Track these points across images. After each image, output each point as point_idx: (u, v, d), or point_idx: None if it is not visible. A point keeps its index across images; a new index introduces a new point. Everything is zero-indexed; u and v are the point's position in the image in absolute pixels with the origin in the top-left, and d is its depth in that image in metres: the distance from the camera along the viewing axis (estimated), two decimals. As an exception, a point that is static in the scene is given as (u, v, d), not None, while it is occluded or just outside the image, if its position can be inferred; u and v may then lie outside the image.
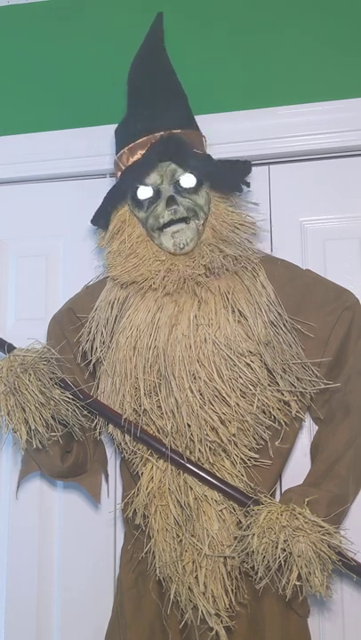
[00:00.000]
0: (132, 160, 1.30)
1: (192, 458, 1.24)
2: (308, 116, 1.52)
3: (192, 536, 1.22)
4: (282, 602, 1.23)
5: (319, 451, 1.30)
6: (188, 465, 1.22)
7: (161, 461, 1.25)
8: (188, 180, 1.28)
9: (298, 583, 1.11)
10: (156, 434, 1.25)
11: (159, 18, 1.42)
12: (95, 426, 1.31)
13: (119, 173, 1.33)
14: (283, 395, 1.25)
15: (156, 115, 1.30)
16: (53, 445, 1.27)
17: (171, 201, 1.26)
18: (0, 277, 1.65)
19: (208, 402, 1.21)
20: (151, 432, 1.25)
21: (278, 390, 1.24)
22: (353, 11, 1.56)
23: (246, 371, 1.22)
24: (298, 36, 1.57)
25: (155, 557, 1.25)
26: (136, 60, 1.39)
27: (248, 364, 1.23)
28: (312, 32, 1.57)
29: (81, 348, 1.36)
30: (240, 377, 1.22)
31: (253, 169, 1.36)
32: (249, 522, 1.16)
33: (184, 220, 1.26)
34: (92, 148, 1.60)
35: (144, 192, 1.29)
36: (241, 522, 1.20)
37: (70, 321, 1.42)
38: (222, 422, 1.22)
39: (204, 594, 1.21)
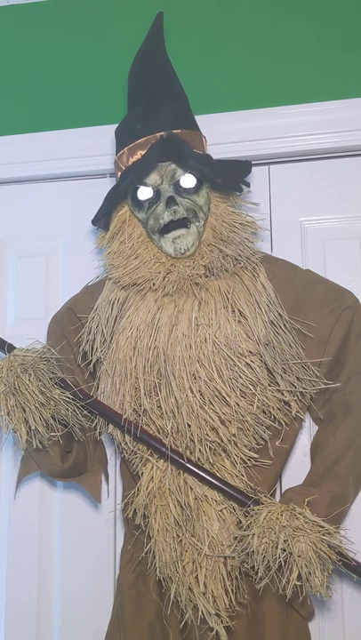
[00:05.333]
0: (132, 160, 1.30)
1: (192, 458, 1.24)
2: (308, 116, 1.52)
3: (192, 536, 1.22)
4: (282, 602, 1.23)
5: (319, 451, 1.30)
6: (188, 465, 1.22)
7: (161, 461, 1.25)
8: (187, 181, 1.28)
9: (298, 583, 1.11)
10: (156, 434, 1.25)
11: (159, 17, 1.42)
12: (95, 426, 1.31)
13: (119, 173, 1.33)
14: (283, 395, 1.25)
15: (156, 115, 1.30)
16: (53, 445, 1.27)
17: (170, 201, 1.26)
18: (0, 277, 1.65)
19: (208, 402, 1.21)
20: (151, 432, 1.25)
21: (278, 390, 1.25)
22: (353, 11, 1.56)
23: (246, 371, 1.22)
24: (298, 36, 1.57)
25: (155, 557, 1.25)
26: (136, 59, 1.39)
27: (248, 364, 1.23)
28: (312, 32, 1.57)
29: (81, 349, 1.36)
30: (240, 377, 1.22)
31: (253, 169, 1.36)
32: (249, 522, 1.16)
33: (184, 223, 1.26)
34: (92, 147, 1.60)
35: (144, 193, 1.29)
36: (241, 522, 1.20)
37: (70, 321, 1.42)
38: (222, 422, 1.22)
39: (204, 594, 1.21)
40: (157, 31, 1.40)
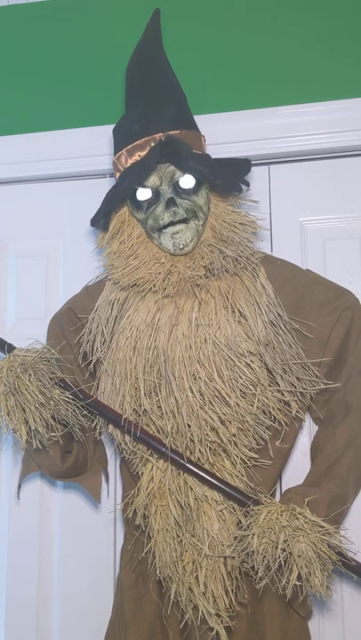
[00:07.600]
0: (130, 162, 1.30)
1: (192, 458, 1.24)
2: (308, 116, 1.52)
3: (192, 536, 1.22)
4: (282, 602, 1.23)
5: (319, 451, 1.30)
6: (188, 465, 1.22)
7: (161, 461, 1.25)
8: (187, 182, 1.28)
9: (298, 583, 1.11)
10: (156, 434, 1.25)
11: (156, 15, 1.41)
12: (95, 426, 1.31)
13: (117, 174, 1.33)
14: (283, 395, 1.25)
15: (154, 116, 1.30)
16: (53, 445, 1.27)
17: (170, 203, 1.26)
18: (0, 277, 1.65)
19: (208, 402, 1.21)
20: (151, 432, 1.25)
21: (278, 390, 1.25)
22: (353, 11, 1.56)
23: (246, 371, 1.22)
24: (297, 36, 1.57)
25: (155, 557, 1.25)
26: (133, 58, 1.38)
27: (248, 365, 1.23)
28: (312, 32, 1.57)
29: (81, 349, 1.36)
30: (240, 377, 1.22)
31: (253, 169, 1.36)
32: (249, 522, 1.16)
33: (184, 220, 1.26)
34: (92, 148, 1.60)
35: (143, 193, 1.29)
36: (241, 522, 1.20)
37: (70, 321, 1.42)
38: (222, 422, 1.22)
39: (204, 594, 1.21)
40: (154, 29, 1.39)
